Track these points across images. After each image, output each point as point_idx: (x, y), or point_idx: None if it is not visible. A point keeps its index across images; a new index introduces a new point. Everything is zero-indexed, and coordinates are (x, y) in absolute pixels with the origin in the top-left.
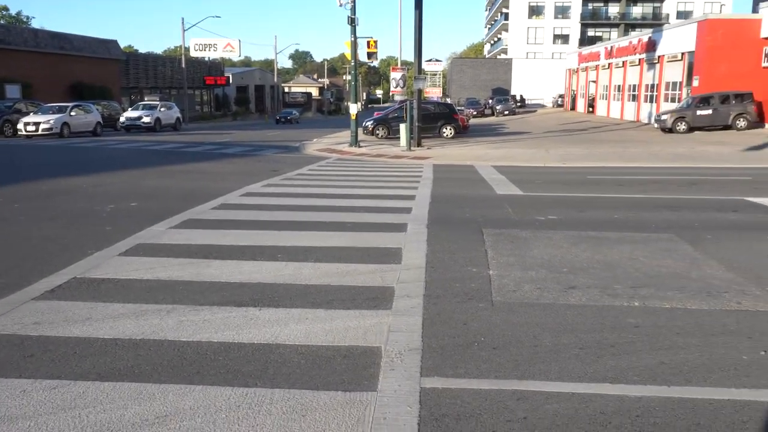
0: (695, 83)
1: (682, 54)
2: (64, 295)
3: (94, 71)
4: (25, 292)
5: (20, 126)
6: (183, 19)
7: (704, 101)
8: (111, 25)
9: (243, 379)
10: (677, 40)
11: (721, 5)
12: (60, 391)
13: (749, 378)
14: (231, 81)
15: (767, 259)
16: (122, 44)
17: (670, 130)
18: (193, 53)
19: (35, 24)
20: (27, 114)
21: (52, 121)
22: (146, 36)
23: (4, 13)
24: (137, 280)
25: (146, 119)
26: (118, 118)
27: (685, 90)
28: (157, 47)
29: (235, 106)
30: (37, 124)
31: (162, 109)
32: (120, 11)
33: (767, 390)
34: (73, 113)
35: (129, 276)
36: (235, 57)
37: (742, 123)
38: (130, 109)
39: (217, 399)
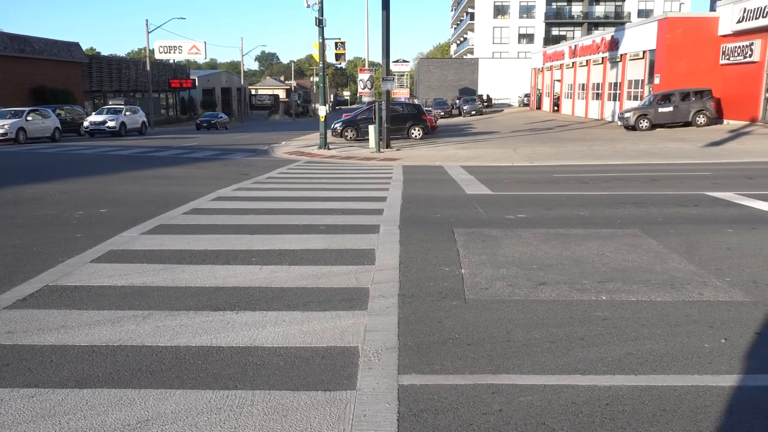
0: (656, 81)
1: (644, 52)
2: (36, 304)
3: (56, 74)
4: None
5: None
6: (147, 20)
7: (665, 99)
8: (73, 28)
9: (223, 381)
10: (639, 38)
11: (681, 4)
12: (38, 399)
13: (711, 365)
14: (197, 84)
15: (727, 252)
16: (85, 47)
17: (633, 128)
18: (158, 56)
19: None
20: None
21: (7, 126)
22: (109, 38)
23: None
24: (111, 286)
25: (111, 123)
26: (82, 123)
27: (647, 88)
28: (121, 50)
29: (201, 110)
30: None
31: (127, 113)
32: (82, 13)
33: (727, 376)
34: (29, 118)
35: (102, 283)
36: (200, 59)
37: (701, 119)
38: (94, 113)
39: (198, 402)
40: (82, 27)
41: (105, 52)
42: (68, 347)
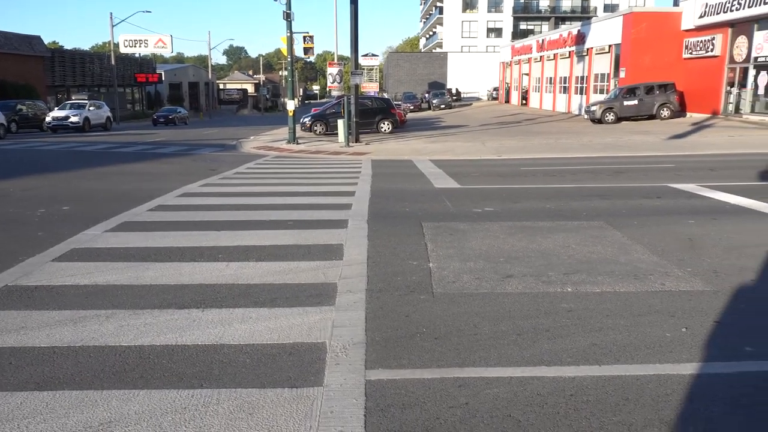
0: (622, 75)
1: (610, 46)
2: None
3: (16, 69)
4: None
5: None
6: (111, 14)
7: (630, 92)
8: (34, 21)
9: (188, 381)
10: (604, 32)
11: None
12: None
13: (672, 353)
14: (163, 78)
15: (688, 242)
16: (47, 40)
17: (600, 121)
18: (122, 49)
19: None
20: None
21: (77, 117)
22: (73, 32)
23: None
24: (73, 286)
25: (74, 119)
26: (44, 118)
27: (612, 81)
28: (85, 44)
29: (167, 104)
30: None
31: (91, 108)
32: (43, 6)
33: (688, 364)
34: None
35: (64, 282)
36: (167, 53)
37: (665, 112)
38: (56, 108)
39: (163, 402)
40: (46, 20)
41: (68, 46)
42: (28, 349)
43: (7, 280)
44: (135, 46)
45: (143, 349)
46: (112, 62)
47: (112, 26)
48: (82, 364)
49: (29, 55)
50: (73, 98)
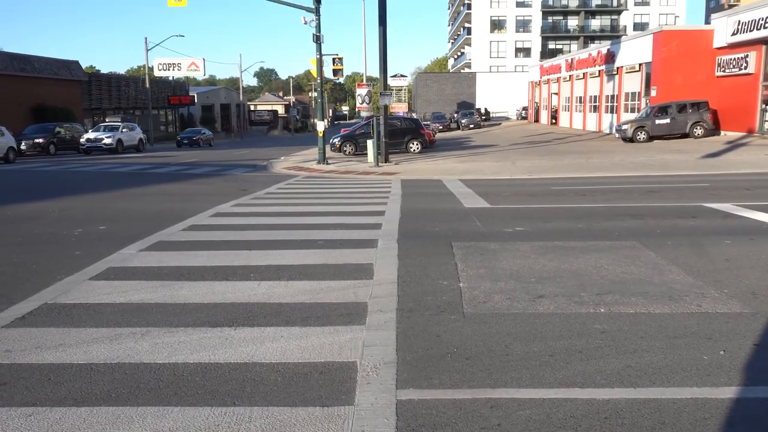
0: (653, 93)
1: (640, 65)
2: (35, 322)
3: (56, 93)
4: None
5: None
6: (146, 38)
7: (662, 111)
8: (72, 46)
9: (221, 398)
10: (634, 51)
11: (676, 17)
12: (36, 418)
13: (710, 377)
14: (196, 100)
15: (725, 263)
16: (84, 65)
17: (631, 140)
18: (157, 73)
19: None
20: None
21: (110, 139)
22: (109, 56)
23: None
24: (109, 304)
25: (107, 140)
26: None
27: (643, 100)
28: (120, 67)
29: (200, 126)
30: None
31: (124, 130)
32: (81, 32)
33: (726, 388)
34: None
35: (101, 300)
36: (199, 76)
37: (699, 131)
38: (90, 130)
39: (196, 419)
40: (83, 45)
41: (104, 70)
42: (66, 365)
43: (46, 298)
44: (168, 70)
45: (177, 367)
46: (147, 85)
47: (147, 50)
48: (118, 380)
49: (68, 79)
50: (107, 120)
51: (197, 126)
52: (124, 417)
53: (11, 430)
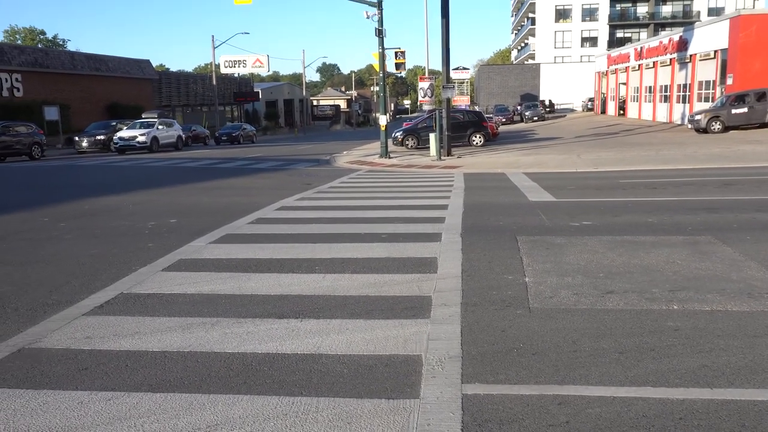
0: (729, 81)
1: (715, 52)
2: (112, 310)
3: (128, 91)
4: (76, 307)
5: None
6: (213, 36)
7: (739, 99)
8: (143, 45)
9: (288, 388)
10: (709, 38)
11: (754, 0)
12: (115, 402)
13: None
14: (260, 96)
15: None
16: (154, 63)
17: (705, 131)
18: (223, 70)
19: (71, 47)
20: None
21: (144, 137)
22: (178, 54)
23: (42, 36)
24: (181, 294)
25: (141, 138)
26: None
27: (719, 89)
28: (188, 65)
29: (264, 121)
30: None
31: (160, 127)
32: (151, 31)
33: None
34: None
35: (173, 291)
36: (264, 72)
37: None
38: (125, 128)
39: (265, 408)
40: (154, 44)
41: (173, 68)
42: (142, 353)
43: (122, 288)
44: (234, 67)
45: (246, 356)
46: (213, 82)
47: (214, 48)
48: (190, 368)
49: (140, 77)
50: (142, 116)
51: (261, 122)
52: (197, 404)
53: (92, 413)
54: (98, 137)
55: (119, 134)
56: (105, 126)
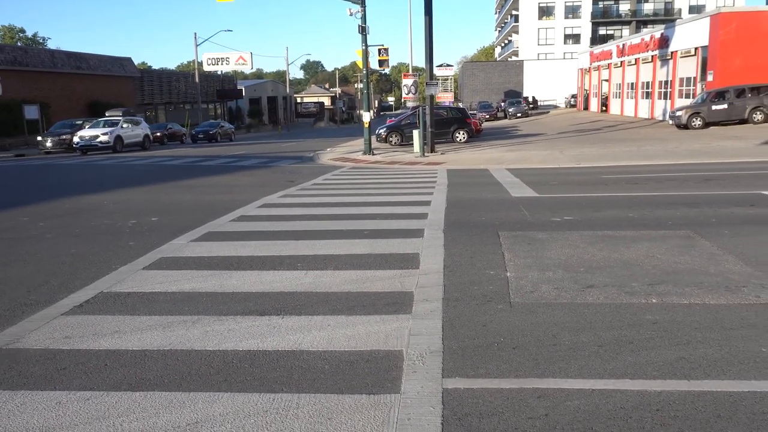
0: (710, 78)
1: (696, 49)
2: (92, 310)
3: (109, 89)
4: (55, 307)
5: None
6: (195, 34)
7: (719, 96)
8: (124, 43)
9: (269, 385)
10: (690, 35)
11: None
12: (93, 401)
13: None
14: (244, 94)
15: None
16: (136, 61)
17: (686, 127)
18: (206, 67)
19: (51, 45)
20: None
21: (107, 136)
22: (159, 52)
23: (21, 35)
24: (162, 293)
25: (103, 138)
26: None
27: (699, 85)
28: (171, 63)
29: (248, 119)
30: None
31: (124, 126)
32: (133, 28)
33: None
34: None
35: (154, 289)
36: (247, 70)
37: (758, 116)
38: (87, 126)
39: (245, 405)
40: (135, 42)
41: (156, 66)
42: (121, 351)
43: (102, 287)
44: (217, 64)
45: (227, 354)
46: (196, 80)
47: (197, 46)
48: (170, 366)
49: (121, 75)
50: (106, 115)
51: (245, 119)
52: (177, 401)
53: (71, 413)
54: (63, 137)
55: (80, 133)
56: (70, 125)
